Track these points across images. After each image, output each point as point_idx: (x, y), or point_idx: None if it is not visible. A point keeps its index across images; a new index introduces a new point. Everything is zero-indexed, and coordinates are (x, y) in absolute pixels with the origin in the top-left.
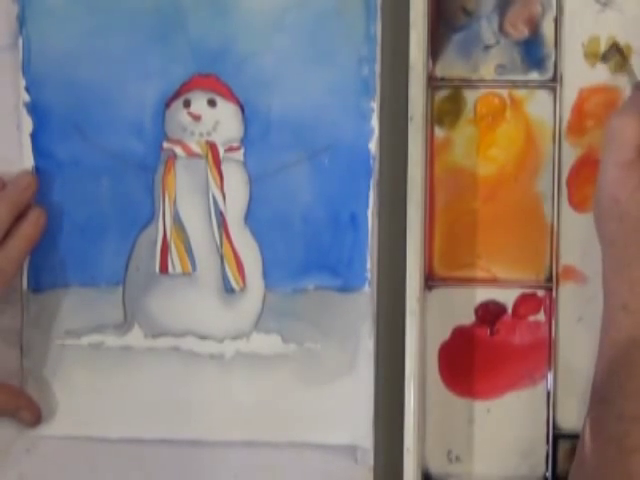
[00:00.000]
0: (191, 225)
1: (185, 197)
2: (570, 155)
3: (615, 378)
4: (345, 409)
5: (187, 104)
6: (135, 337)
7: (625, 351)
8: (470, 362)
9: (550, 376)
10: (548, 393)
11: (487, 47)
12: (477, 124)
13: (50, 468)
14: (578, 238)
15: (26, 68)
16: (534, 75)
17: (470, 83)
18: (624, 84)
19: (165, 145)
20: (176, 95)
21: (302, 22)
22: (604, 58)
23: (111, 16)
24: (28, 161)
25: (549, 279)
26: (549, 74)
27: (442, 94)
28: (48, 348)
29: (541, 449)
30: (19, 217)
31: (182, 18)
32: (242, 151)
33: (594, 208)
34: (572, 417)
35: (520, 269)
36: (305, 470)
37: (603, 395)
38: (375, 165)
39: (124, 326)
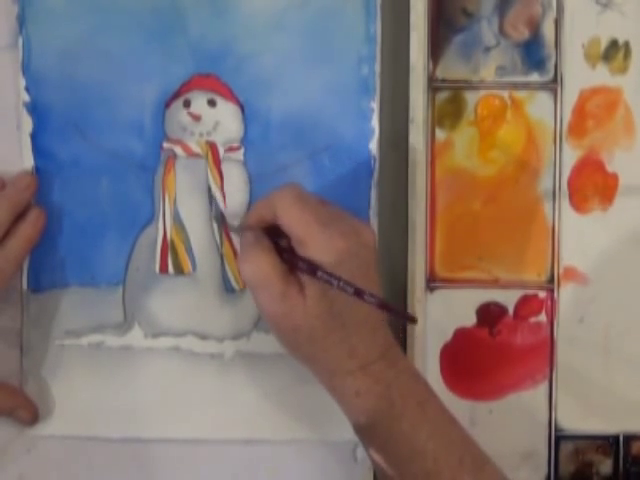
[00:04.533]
0: (191, 225)
1: (185, 197)
2: (571, 156)
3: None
4: None
5: (187, 104)
6: (135, 337)
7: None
8: (472, 363)
9: (551, 377)
10: (549, 394)
11: (487, 48)
12: (478, 125)
13: (50, 468)
14: (579, 239)
15: (26, 68)
16: (534, 76)
17: (471, 84)
18: (625, 85)
19: (165, 145)
20: (176, 95)
21: (302, 22)
22: None
23: (111, 16)
24: (28, 161)
25: (550, 280)
26: (549, 75)
27: (443, 96)
28: (48, 348)
29: (542, 450)
30: (19, 217)
31: (182, 18)
32: (242, 151)
33: (286, 346)
34: (573, 418)
35: (521, 270)
36: (305, 469)
37: None
38: (375, 165)
39: (124, 326)
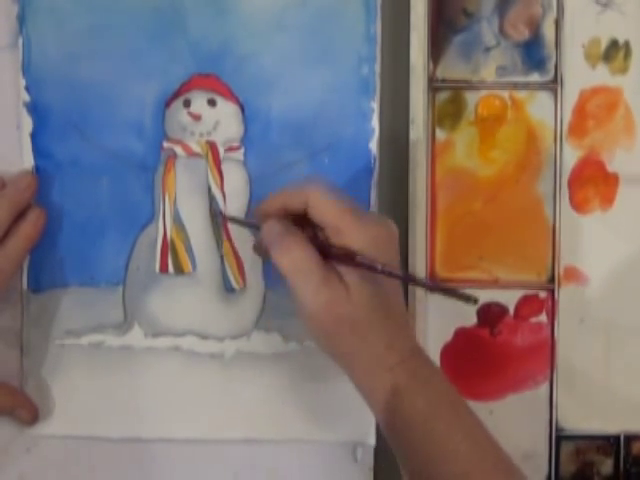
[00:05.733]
0: (191, 225)
1: (185, 197)
2: (571, 156)
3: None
4: (346, 407)
5: (187, 104)
6: (135, 337)
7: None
8: (472, 363)
9: (552, 377)
10: (550, 394)
11: (488, 49)
12: (478, 126)
13: (50, 468)
14: (579, 239)
15: (26, 68)
16: (535, 76)
17: (471, 85)
18: (625, 85)
19: (165, 145)
20: (176, 95)
21: (302, 22)
22: None
23: (111, 16)
24: (28, 161)
25: (551, 280)
26: (550, 75)
27: (443, 96)
28: (48, 348)
29: (543, 450)
30: (19, 217)
31: (182, 18)
32: (242, 151)
33: (323, 340)
34: (574, 418)
35: (522, 270)
36: (305, 469)
37: None
38: (375, 165)
39: (124, 326)
